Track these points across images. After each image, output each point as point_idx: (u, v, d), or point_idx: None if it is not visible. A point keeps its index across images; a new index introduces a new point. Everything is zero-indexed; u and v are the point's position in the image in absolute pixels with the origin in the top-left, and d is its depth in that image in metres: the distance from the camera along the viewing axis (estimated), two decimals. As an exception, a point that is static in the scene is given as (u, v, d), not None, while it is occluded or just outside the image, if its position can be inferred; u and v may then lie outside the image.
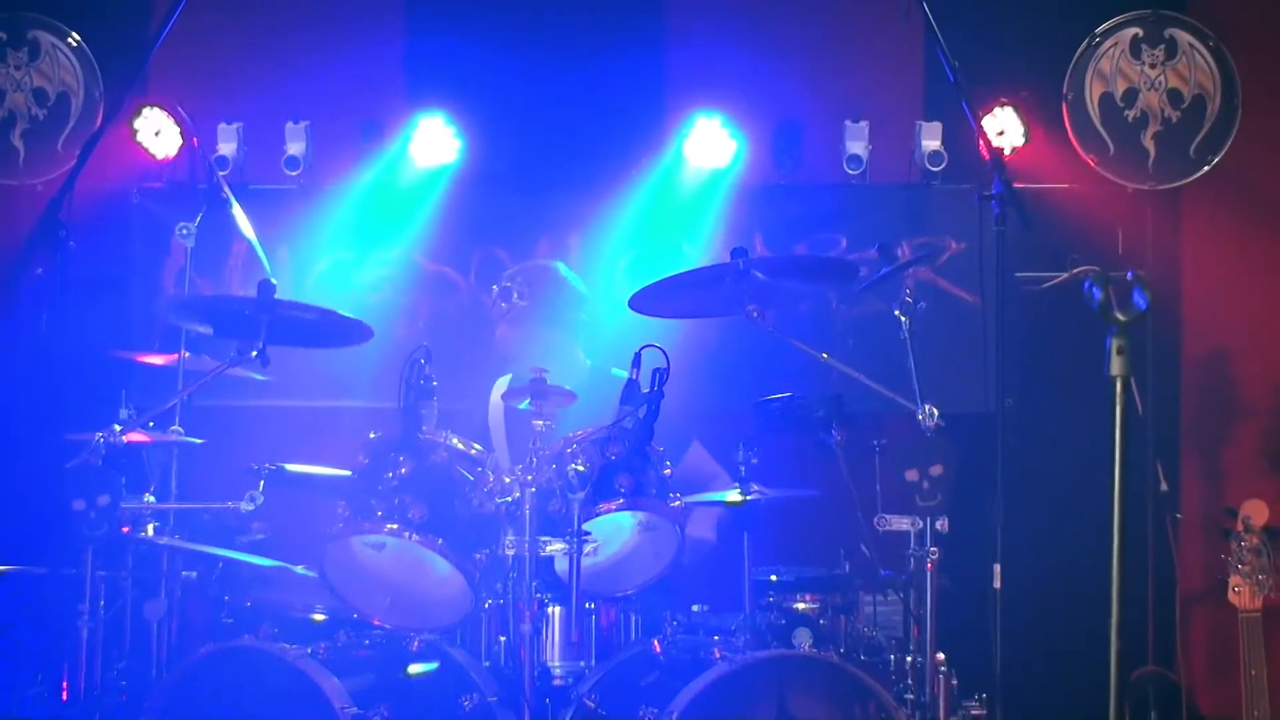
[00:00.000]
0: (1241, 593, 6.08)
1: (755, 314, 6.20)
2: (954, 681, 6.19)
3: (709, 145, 8.17)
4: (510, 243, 8.29)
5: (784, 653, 6.10)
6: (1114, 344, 5.45)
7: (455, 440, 6.21)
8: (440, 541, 6.02)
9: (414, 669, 6.10)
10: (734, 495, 6.31)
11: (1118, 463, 5.33)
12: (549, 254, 8.08)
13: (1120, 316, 5.46)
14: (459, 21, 8.41)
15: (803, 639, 6.16)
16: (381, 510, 6.04)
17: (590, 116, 8.38)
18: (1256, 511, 6.23)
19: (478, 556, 6.09)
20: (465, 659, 6.19)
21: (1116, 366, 5.39)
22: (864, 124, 8.19)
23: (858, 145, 8.17)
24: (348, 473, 6.28)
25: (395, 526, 6.02)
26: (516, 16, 8.38)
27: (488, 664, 6.21)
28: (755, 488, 6.31)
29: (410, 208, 8.28)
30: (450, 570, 6.08)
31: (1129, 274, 5.52)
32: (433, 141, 8.17)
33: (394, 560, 6.13)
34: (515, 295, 6.99)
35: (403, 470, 6.09)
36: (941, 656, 6.17)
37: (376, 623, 6.21)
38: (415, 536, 6.01)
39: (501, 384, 7.15)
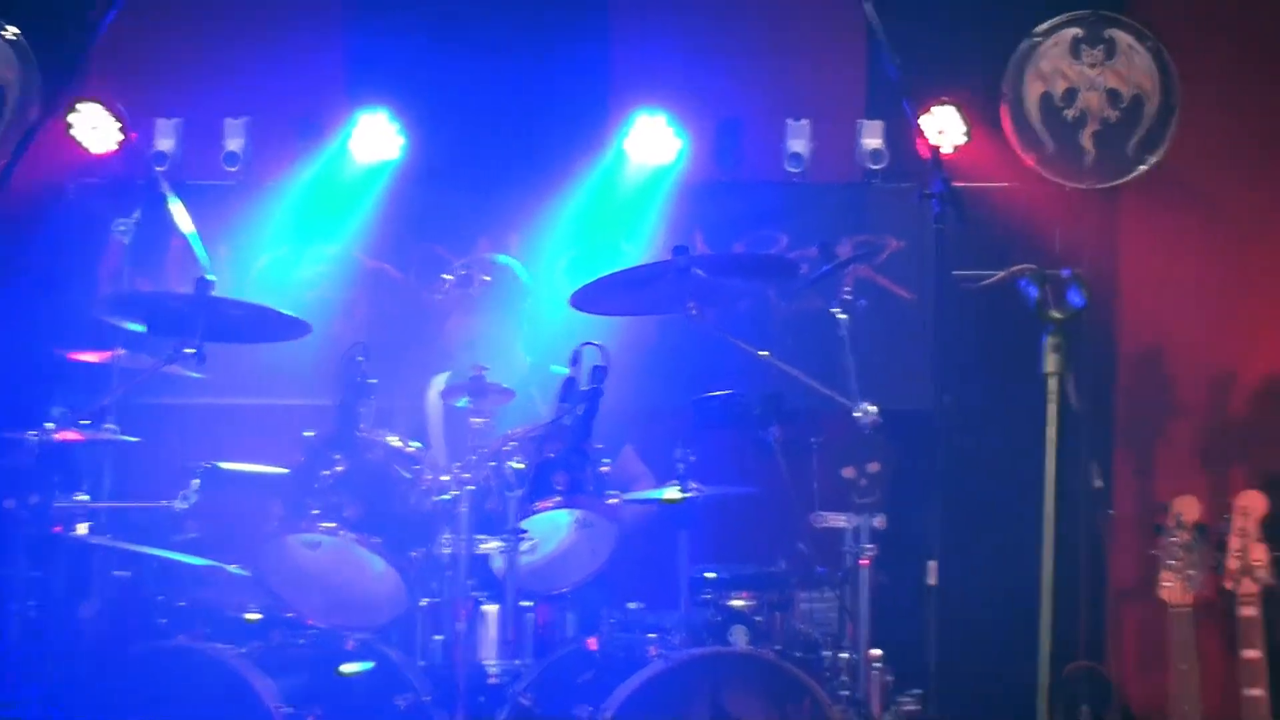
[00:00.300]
0: (1172, 588, 6.11)
1: (695, 311, 6.21)
2: (889, 678, 6.22)
3: (651, 143, 8.15)
4: (451, 240, 8.25)
5: (720, 650, 6.13)
6: (1049, 341, 5.48)
7: (392, 438, 6.21)
8: (376, 540, 6.02)
9: (348, 668, 6.08)
10: (672, 492, 6.31)
11: (1050, 459, 5.37)
12: (490, 251, 8.05)
13: (1056, 314, 5.50)
14: (401, 19, 8.37)
15: (739, 636, 6.18)
16: (317, 509, 6.03)
17: (533, 114, 8.35)
18: (1188, 508, 6.26)
19: (413, 555, 6.09)
20: (400, 658, 6.16)
21: (1051, 364, 5.43)
22: (805, 122, 8.19)
23: (799, 143, 8.17)
24: (283, 471, 6.26)
25: (331, 525, 6.01)
26: (460, 15, 8.35)
27: (423, 663, 6.16)
28: (693, 485, 6.32)
29: (350, 204, 8.24)
30: (386, 569, 6.08)
31: (1066, 272, 5.55)
32: (374, 138, 8.13)
33: (329, 559, 6.11)
34: (475, 282, 6.99)
35: (339, 468, 6.09)
36: (877, 653, 6.19)
37: (311, 622, 6.19)
38: (351, 535, 6.01)
39: (440, 381, 7.14)
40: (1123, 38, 8.20)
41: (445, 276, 7.10)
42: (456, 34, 8.30)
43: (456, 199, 8.34)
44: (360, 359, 6.13)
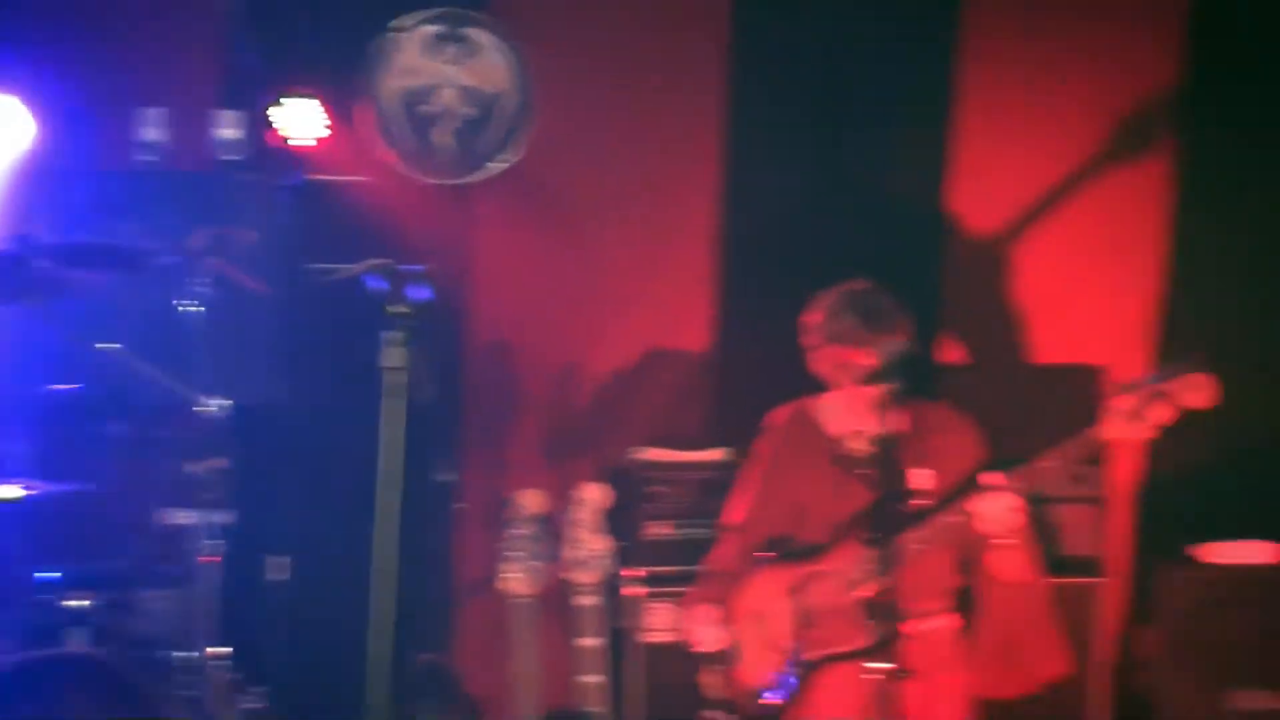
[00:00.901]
0: (514, 580, 6.24)
1: (38, 303, 6.04)
2: (233, 676, 6.18)
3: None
4: None
5: (56, 652, 5.96)
6: (393, 336, 5.54)
7: None
8: None
9: None
10: (8, 490, 6.11)
11: (390, 454, 5.42)
12: None
13: (401, 309, 5.55)
14: None
15: (76, 637, 6.03)
16: None
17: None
18: (531, 501, 6.40)
19: None
20: None
21: (394, 358, 5.48)
22: (160, 110, 8.01)
23: (153, 131, 7.98)
24: None
25: None
26: None
27: None
28: (31, 482, 6.14)
29: None
30: None
31: (414, 268, 5.61)
32: None
33: None
34: None
35: None
36: (220, 651, 6.13)
37: None
38: None
39: None
40: (483, 36, 8.31)
41: None
42: None
43: None
44: None
